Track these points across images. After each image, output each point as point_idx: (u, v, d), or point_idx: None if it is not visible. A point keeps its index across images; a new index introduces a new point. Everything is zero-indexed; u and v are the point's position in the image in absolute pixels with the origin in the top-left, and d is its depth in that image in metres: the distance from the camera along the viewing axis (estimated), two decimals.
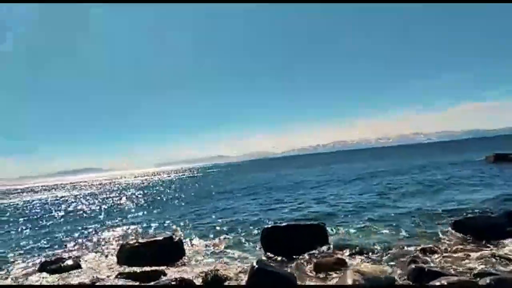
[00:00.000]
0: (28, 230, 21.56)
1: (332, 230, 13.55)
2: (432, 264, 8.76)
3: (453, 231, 11.81)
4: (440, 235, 11.82)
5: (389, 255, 10.32)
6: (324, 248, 11.18)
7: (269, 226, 12.41)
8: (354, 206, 19.15)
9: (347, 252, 10.72)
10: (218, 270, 10.25)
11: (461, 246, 10.44)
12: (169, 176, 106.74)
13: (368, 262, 9.75)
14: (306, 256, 10.65)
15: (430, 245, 10.54)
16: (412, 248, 10.51)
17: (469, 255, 9.52)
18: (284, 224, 12.62)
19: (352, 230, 13.73)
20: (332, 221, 15.66)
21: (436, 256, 9.68)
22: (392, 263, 9.57)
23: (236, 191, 34.32)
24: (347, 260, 9.76)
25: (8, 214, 33.21)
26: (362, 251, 10.72)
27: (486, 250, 9.85)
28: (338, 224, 15.01)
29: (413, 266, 8.19)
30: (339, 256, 10.23)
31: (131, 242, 12.56)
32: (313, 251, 10.91)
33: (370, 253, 10.56)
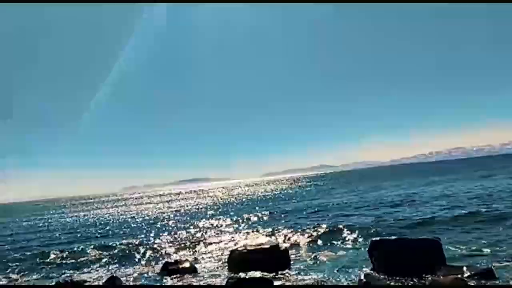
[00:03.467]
0: (155, 232, 24.14)
1: (450, 247, 12.41)
2: None
3: None
4: None
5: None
6: (439, 266, 10.24)
7: (378, 238, 11.87)
8: (477, 223, 17.25)
9: (467, 273, 9.50)
10: (324, 281, 10.20)
11: None
12: (275, 186, 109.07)
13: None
14: (417, 273, 9.90)
15: None
16: None
17: None
18: (393, 237, 11.96)
19: (469, 249, 12.38)
20: (450, 237, 14.34)
21: None
22: None
23: (342, 202, 33.60)
24: (468, 281, 8.77)
25: (142, 219, 37.62)
26: (485, 273, 9.43)
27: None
28: (458, 241, 13.69)
29: None
30: (458, 276, 9.24)
31: (240, 248, 13.22)
32: (425, 268, 10.08)
33: (496, 277, 9.29)
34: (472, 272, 9.41)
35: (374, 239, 11.84)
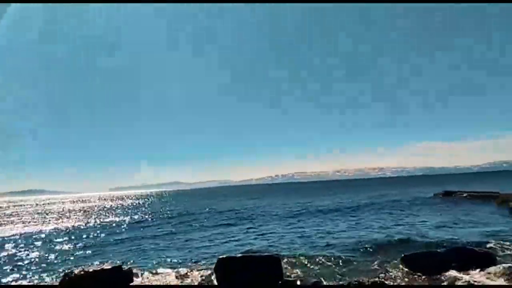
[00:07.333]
0: None
1: (286, 261, 13.53)
2: None
3: (402, 266, 12.17)
4: (390, 270, 12.10)
5: None
6: (277, 281, 11.08)
7: (224, 256, 12.17)
8: (307, 238, 19.37)
9: (299, 286, 10.62)
10: None
11: (408, 281, 10.76)
12: (124, 201, 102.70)
13: None
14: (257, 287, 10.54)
15: (376, 279, 10.68)
16: (364, 280, 10.65)
17: None
18: (239, 255, 12.44)
19: (303, 263, 13.73)
20: (287, 252, 15.69)
21: None
22: None
23: (191, 219, 33.65)
24: None
25: None
26: (315, 286, 10.64)
27: (432, 285, 10.21)
28: (291, 255, 15.04)
29: None
30: None
31: (76, 270, 11.80)
32: (267, 285, 10.77)
33: None
34: (303, 286, 10.47)
35: (220, 257, 12.10)
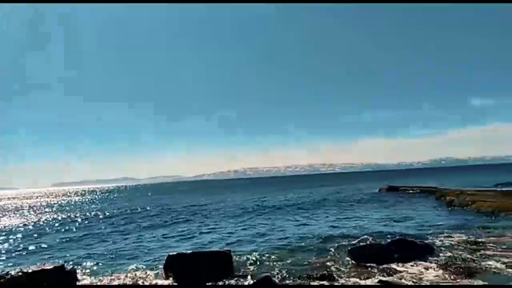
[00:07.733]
0: None
1: (237, 257, 13.54)
2: None
3: (348, 258, 12.65)
4: (337, 262, 12.52)
5: (288, 282, 10.67)
6: (228, 276, 11.12)
7: (174, 253, 11.99)
8: (259, 234, 19.57)
9: (249, 280, 10.73)
10: None
11: (354, 273, 11.21)
12: (69, 197, 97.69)
13: None
14: (210, 284, 10.50)
15: (325, 272, 11.02)
16: (312, 274, 10.96)
17: (361, 282, 10.29)
18: (189, 251, 12.32)
19: (255, 258, 13.78)
20: (238, 248, 15.72)
21: (331, 283, 10.23)
22: None
23: (142, 216, 32.79)
24: None
25: None
26: (265, 280, 10.73)
27: (377, 276, 10.71)
28: (243, 251, 15.09)
29: None
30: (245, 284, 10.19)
31: (13, 272, 11.03)
32: (217, 280, 10.76)
33: (274, 284, 10.63)
34: (254, 280, 10.55)
35: (171, 253, 11.92)
